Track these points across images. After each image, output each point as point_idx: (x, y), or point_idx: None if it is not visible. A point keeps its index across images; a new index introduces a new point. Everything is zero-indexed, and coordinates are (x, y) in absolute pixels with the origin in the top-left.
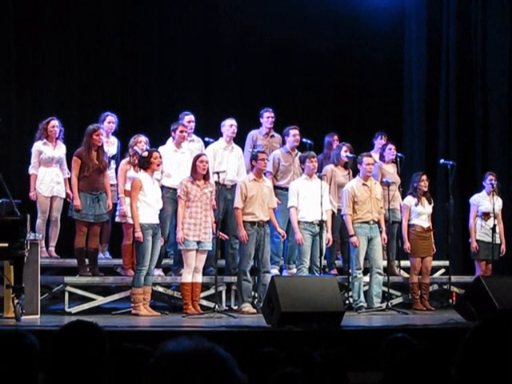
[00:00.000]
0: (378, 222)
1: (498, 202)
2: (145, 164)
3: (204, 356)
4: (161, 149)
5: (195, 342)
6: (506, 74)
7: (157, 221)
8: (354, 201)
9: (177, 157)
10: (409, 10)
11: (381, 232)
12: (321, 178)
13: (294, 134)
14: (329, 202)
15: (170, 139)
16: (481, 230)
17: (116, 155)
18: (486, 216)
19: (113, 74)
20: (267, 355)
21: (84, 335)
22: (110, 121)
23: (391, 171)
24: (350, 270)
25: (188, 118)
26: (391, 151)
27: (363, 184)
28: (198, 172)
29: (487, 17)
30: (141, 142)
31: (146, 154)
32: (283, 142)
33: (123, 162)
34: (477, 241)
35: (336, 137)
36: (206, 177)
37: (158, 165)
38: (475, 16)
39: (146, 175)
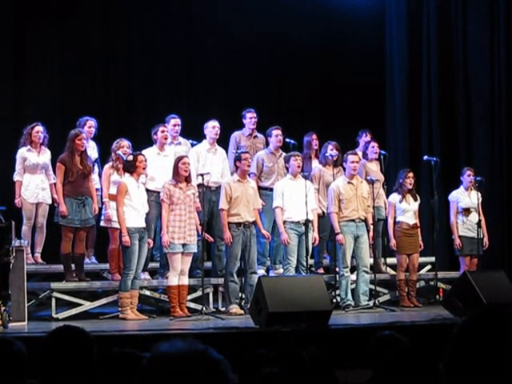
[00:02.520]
0: (365, 221)
1: (478, 197)
2: (130, 168)
3: (197, 358)
4: (144, 152)
5: (189, 344)
6: (487, 69)
7: (143, 224)
8: (340, 199)
9: (160, 160)
10: (389, 6)
11: (368, 230)
12: (305, 177)
13: (276, 134)
14: (314, 201)
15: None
16: (463, 226)
17: (97, 159)
18: (466, 212)
19: (95, 78)
20: (256, 356)
21: (71, 340)
22: (90, 125)
23: (375, 169)
24: (337, 269)
25: (174, 122)
26: (374, 149)
27: (349, 182)
28: (181, 174)
29: (467, 11)
30: (123, 147)
31: (131, 157)
32: (267, 143)
33: (106, 166)
34: (460, 236)
35: (315, 136)
36: (187, 179)
37: (144, 168)
38: (455, 11)
39: (132, 179)
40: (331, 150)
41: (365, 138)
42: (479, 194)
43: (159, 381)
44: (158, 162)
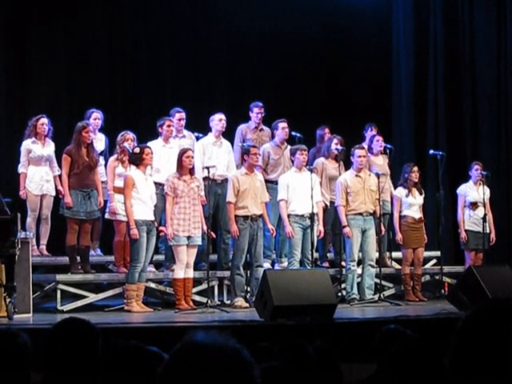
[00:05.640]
0: (373, 214)
1: (486, 192)
2: (137, 160)
3: (230, 356)
4: (150, 144)
5: (225, 339)
6: (493, 64)
7: (151, 217)
8: (347, 192)
9: (166, 152)
10: (396, 4)
11: (379, 223)
12: (311, 170)
13: (282, 127)
14: (320, 194)
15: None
16: (469, 220)
17: (104, 151)
18: (474, 206)
19: (101, 70)
20: (258, 349)
21: (77, 332)
22: (96, 117)
23: (380, 163)
24: (343, 263)
25: (179, 116)
26: (379, 143)
27: (356, 175)
28: (184, 167)
29: (474, 8)
30: (128, 140)
31: (137, 150)
32: (272, 136)
33: (111, 158)
34: (466, 231)
35: (327, 130)
36: (191, 171)
37: (150, 161)
38: (462, 7)
39: (138, 172)
40: (336, 145)
41: (370, 132)
42: (487, 189)
43: (186, 368)
44: (163, 154)
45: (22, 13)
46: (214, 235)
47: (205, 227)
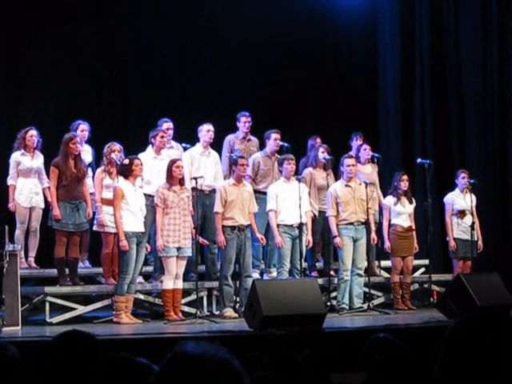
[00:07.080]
0: (366, 223)
1: (473, 199)
2: (126, 172)
3: (220, 366)
4: (141, 156)
5: (215, 349)
6: (479, 71)
7: (141, 229)
8: (337, 202)
9: (156, 164)
10: (382, 12)
11: (370, 232)
12: (299, 180)
13: (275, 137)
14: (308, 203)
15: (150, 146)
16: (458, 228)
17: (91, 163)
18: (461, 214)
19: (88, 82)
20: (247, 359)
21: (79, 345)
22: (83, 129)
23: (368, 172)
24: (332, 272)
25: (167, 126)
26: (366, 151)
27: (346, 185)
28: (174, 177)
29: (460, 18)
30: (115, 151)
31: (126, 161)
32: (261, 146)
33: (98, 170)
34: (454, 239)
35: (319, 139)
36: (181, 182)
37: (140, 172)
38: (447, 16)
39: (128, 183)
40: (322, 153)
41: (356, 141)
42: (474, 197)
43: (177, 379)
44: (154, 165)
45: (10, 26)
46: (206, 242)
47: (193, 232)
